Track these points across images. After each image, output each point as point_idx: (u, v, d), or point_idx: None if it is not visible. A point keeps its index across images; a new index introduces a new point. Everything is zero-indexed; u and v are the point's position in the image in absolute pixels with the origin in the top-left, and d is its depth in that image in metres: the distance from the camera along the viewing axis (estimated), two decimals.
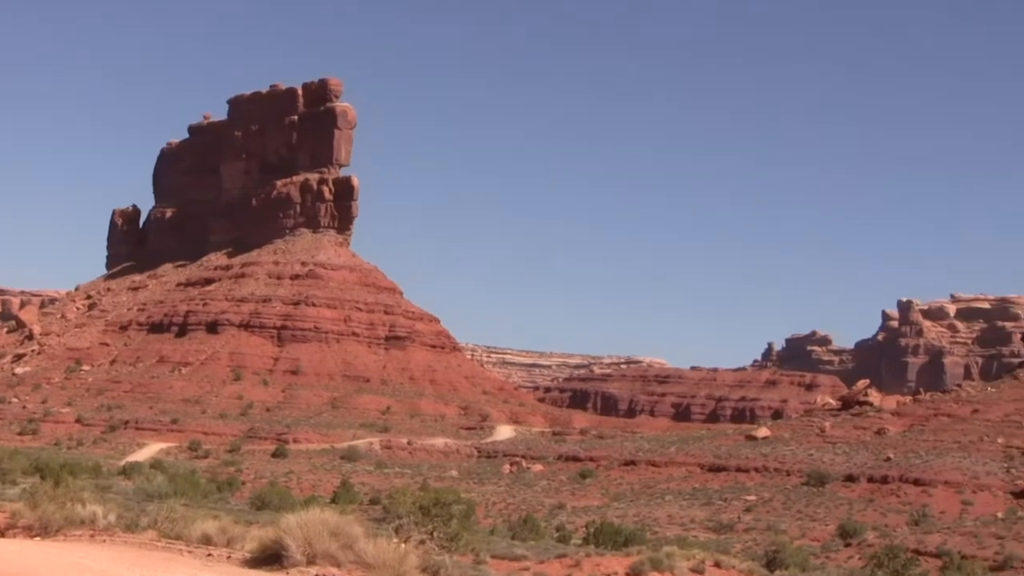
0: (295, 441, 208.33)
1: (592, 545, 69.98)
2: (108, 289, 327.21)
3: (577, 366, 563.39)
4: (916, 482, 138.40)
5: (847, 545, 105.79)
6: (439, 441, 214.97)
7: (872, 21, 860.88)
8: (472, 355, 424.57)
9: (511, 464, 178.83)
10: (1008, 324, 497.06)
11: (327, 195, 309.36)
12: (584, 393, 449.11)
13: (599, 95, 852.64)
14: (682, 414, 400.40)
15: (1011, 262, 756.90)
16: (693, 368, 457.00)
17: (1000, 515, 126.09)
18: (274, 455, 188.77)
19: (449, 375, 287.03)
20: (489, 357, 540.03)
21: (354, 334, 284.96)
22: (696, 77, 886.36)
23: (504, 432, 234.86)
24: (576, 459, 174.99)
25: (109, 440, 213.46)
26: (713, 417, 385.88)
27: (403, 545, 26.22)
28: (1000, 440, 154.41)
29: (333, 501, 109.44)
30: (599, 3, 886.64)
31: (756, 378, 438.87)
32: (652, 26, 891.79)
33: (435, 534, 43.92)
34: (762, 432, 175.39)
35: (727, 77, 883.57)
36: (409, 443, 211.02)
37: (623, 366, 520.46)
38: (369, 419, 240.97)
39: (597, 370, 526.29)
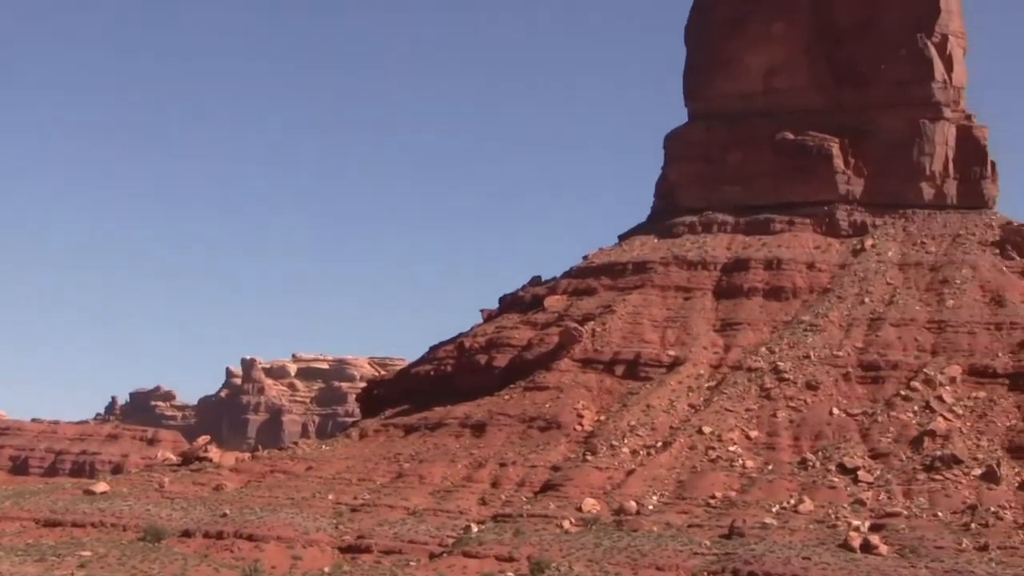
0: None
1: None
2: None
3: None
4: (250, 537, 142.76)
5: None
6: None
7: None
8: None
9: None
10: (344, 384, 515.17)
11: None
12: None
13: None
14: (20, 467, 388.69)
15: (348, 325, 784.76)
16: (33, 420, 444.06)
17: (327, 569, 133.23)
18: None
19: None
20: None
21: None
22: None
23: None
24: None
25: None
26: (52, 471, 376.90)
27: None
28: (331, 496, 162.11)
29: None
30: None
31: (98, 432, 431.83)
32: None
33: None
34: (100, 487, 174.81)
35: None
36: None
37: None
38: None
39: None
